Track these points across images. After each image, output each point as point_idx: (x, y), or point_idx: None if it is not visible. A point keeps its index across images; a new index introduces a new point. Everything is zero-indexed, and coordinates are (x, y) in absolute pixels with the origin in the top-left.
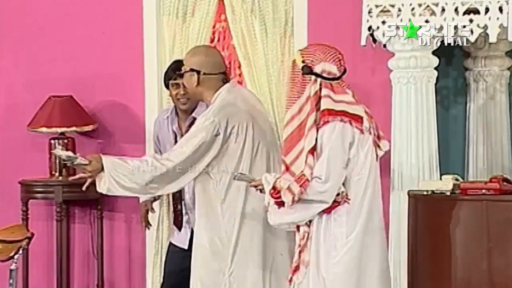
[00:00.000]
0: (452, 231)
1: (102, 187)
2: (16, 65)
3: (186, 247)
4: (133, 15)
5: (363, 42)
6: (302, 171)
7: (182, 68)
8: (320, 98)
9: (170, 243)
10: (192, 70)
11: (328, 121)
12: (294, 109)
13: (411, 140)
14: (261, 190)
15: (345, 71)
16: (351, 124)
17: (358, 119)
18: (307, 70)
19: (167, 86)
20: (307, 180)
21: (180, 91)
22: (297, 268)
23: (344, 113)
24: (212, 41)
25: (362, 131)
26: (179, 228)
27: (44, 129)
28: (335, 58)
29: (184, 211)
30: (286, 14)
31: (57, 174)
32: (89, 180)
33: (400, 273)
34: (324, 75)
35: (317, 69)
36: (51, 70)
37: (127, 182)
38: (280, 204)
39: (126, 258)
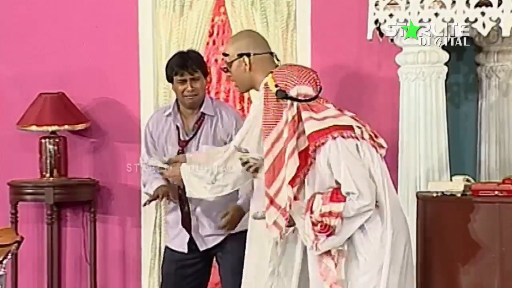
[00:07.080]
0: (463, 235)
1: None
2: (4, 60)
3: (186, 251)
4: (128, 7)
5: (369, 36)
6: (334, 188)
7: (225, 61)
8: (299, 122)
9: (166, 248)
10: (240, 55)
11: (322, 143)
12: (272, 136)
13: (420, 139)
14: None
15: (321, 89)
16: (343, 136)
17: (348, 128)
18: (282, 94)
19: (170, 80)
20: (341, 193)
21: (187, 87)
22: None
23: (332, 127)
24: (211, 35)
25: (357, 138)
26: (189, 231)
27: (34, 128)
28: (309, 79)
29: (190, 215)
30: (289, 7)
31: (48, 175)
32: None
33: None
34: (300, 98)
35: (292, 92)
36: (41, 65)
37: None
38: (331, 233)
39: (121, 263)
